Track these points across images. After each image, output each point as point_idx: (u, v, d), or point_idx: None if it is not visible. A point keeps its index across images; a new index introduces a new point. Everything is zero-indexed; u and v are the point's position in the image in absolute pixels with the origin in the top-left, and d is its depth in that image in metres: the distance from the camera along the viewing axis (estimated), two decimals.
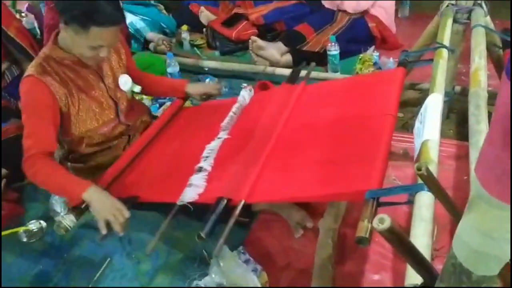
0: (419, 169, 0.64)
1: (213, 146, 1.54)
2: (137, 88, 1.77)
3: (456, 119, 2.20)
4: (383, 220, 0.65)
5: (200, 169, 1.44)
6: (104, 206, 1.36)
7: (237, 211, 1.20)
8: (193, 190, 1.36)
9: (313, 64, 1.97)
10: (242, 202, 1.22)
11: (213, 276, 1.49)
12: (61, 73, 1.52)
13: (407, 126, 2.20)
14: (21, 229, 1.81)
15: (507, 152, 0.52)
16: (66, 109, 1.54)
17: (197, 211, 1.30)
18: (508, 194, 0.53)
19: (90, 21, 1.38)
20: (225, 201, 1.24)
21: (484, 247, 0.59)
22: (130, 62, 1.79)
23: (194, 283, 1.48)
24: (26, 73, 1.50)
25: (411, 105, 2.30)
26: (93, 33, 1.40)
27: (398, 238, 0.68)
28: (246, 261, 1.54)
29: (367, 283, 1.51)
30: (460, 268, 0.65)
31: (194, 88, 1.91)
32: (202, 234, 1.16)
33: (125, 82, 1.70)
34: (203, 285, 1.47)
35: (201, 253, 1.61)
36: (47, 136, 1.47)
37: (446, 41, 1.62)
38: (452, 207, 0.78)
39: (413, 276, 0.85)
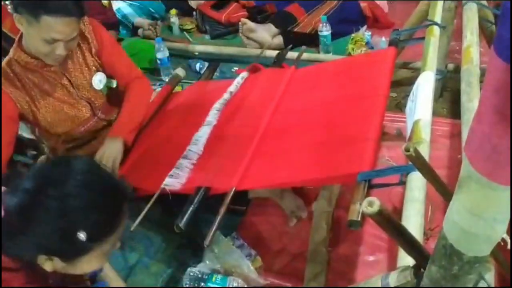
0: (407, 150, 0.62)
1: (202, 132, 1.52)
2: (114, 83, 1.67)
3: (450, 97, 2.18)
4: (372, 203, 0.64)
5: (186, 156, 1.42)
6: None
7: (228, 199, 1.19)
8: (176, 178, 1.34)
9: (303, 47, 1.95)
10: (233, 189, 1.21)
11: (208, 262, 1.48)
12: (24, 78, 1.47)
13: (400, 106, 2.18)
14: None
15: (496, 130, 0.50)
16: (30, 115, 1.50)
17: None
18: (497, 173, 0.52)
19: (41, 8, 1.29)
20: (203, 191, 1.23)
21: (475, 227, 0.58)
22: (110, 56, 1.64)
23: (189, 270, 1.47)
24: None
25: (404, 84, 2.27)
26: (45, 23, 1.31)
27: (388, 221, 0.67)
28: (240, 246, 1.54)
29: (362, 265, 1.51)
30: (451, 249, 0.63)
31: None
32: (180, 225, 1.15)
33: (99, 81, 1.61)
34: (197, 272, 1.46)
35: (195, 240, 1.59)
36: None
37: (438, 18, 1.60)
38: (442, 187, 0.77)
39: (405, 258, 0.84)
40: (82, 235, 0.82)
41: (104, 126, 1.69)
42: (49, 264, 0.85)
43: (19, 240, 0.82)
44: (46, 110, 1.52)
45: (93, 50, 1.60)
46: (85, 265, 0.88)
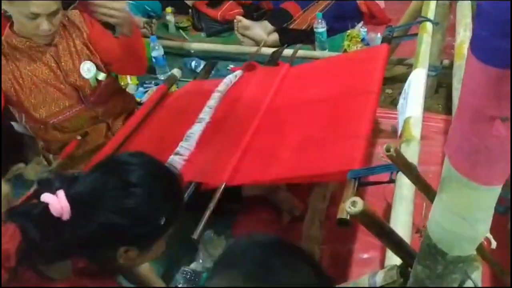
0: (387, 150, 0.61)
1: (194, 129, 1.51)
2: (102, 76, 1.66)
3: (445, 93, 2.17)
4: (356, 203, 0.63)
5: (178, 152, 1.42)
6: None
7: (218, 193, 1.19)
8: None
9: (298, 45, 1.94)
10: (223, 185, 1.20)
11: (201, 261, 1.48)
12: (12, 57, 1.51)
13: (395, 103, 2.17)
14: None
15: (475, 130, 0.49)
16: (14, 95, 1.52)
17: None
18: (477, 173, 0.51)
19: None
20: (193, 185, 1.22)
21: (456, 227, 0.58)
22: (102, 41, 1.65)
23: (182, 268, 1.47)
24: None
25: (399, 81, 2.26)
26: None
27: (372, 221, 0.66)
28: None
29: (356, 263, 1.51)
30: (434, 248, 0.63)
31: None
32: None
33: (88, 69, 1.61)
34: (191, 270, 1.46)
35: (188, 238, 1.59)
36: None
37: (431, 14, 1.59)
38: (425, 187, 0.77)
39: (393, 257, 0.84)
40: (162, 219, 0.89)
41: (92, 118, 1.69)
42: (124, 256, 0.89)
43: (99, 236, 0.85)
44: (31, 90, 1.54)
45: (84, 34, 1.62)
46: (154, 251, 0.95)
